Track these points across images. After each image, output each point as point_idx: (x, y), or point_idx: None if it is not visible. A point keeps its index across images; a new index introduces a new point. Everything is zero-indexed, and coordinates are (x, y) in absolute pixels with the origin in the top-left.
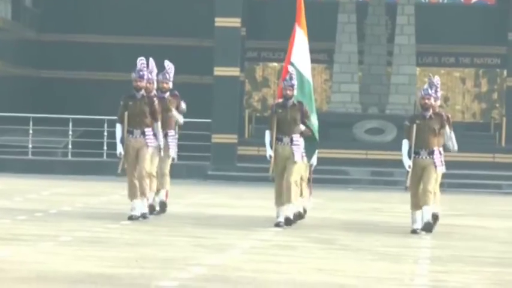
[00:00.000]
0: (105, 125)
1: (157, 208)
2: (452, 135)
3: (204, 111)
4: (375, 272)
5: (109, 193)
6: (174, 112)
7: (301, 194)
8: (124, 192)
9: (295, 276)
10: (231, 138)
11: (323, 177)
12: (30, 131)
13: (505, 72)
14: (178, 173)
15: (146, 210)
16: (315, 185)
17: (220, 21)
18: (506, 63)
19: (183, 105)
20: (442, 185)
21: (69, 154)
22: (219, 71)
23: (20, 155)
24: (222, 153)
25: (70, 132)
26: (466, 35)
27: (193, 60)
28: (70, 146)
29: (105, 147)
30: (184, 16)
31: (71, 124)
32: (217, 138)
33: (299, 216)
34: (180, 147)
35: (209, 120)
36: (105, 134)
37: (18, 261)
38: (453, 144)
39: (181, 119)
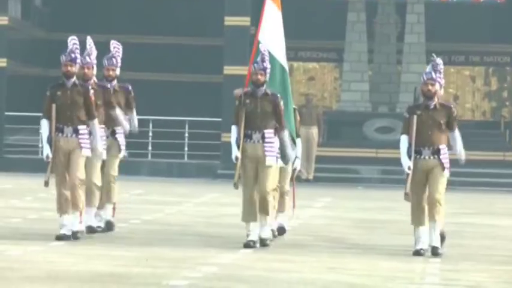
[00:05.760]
0: None
1: (102, 226)
2: (459, 138)
3: (213, 110)
4: (385, 270)
5: (119, 192)
6: (118, 111)
7: (279, 209)
8: (134, 191)
9: (306, 275)
10: None
11: (333, 175)
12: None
13: None
14: (188, 172)
15: (78, 227)
16: (323, 184)
17: (229, 20)
18: None
19: (134, 119)
20: (451, 183)
21: None
22: (228, 70)
23: (30, 154)
24: (231, 152)
25: None
26: (476, 33)
27: (203, 59)
28: None
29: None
30: (193, 15)
31: None
32: (227, 137)
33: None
34: (189, 147)
35: (219, 119)
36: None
37: (29, 260)
38: (461, 150)
39: (126, 125)
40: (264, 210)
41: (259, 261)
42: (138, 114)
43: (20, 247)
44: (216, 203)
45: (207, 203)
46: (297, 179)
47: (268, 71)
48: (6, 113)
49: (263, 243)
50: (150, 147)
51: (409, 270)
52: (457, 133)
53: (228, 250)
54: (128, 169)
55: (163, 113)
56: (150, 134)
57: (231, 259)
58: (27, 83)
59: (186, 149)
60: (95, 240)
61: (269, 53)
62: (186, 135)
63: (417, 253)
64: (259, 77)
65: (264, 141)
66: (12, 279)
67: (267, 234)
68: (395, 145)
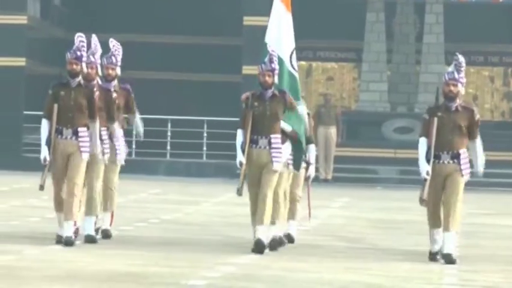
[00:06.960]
0: None
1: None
2: (481, 151)
3: (232, 109)
4: (403, 271)
5: (137, 191)
6: (137, 118)
7: (290, 216)
8: (152, 191)
9: (323, 275)
10: None
11: (351, 176)
12: None
13: None
14: (207, 171)
15: (71, 233)
16: (341, 184)
17: (248, 20)
18: None
19: (137, 118)
20: (468, 184)
21: None
22: (247, 69)
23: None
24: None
25: None
26: (495, 33)
27: (221, 58)
28: None
29: (133, 146)
30: (212, 14)
31: None
32: None
33: (279, 241)
34: (208, 146)
35: (237, 119)
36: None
37: (48, 259)
38: (480, 165)
39: (141, 127)
40: (260, 219)
41: (277, 261)
42: (156, 114)
43: (38, 246)
44: (234, 202)
45: (225, 202)
46: (315, 180)
47: (276, 72)
48: (25, 112)
49: (258, 245)
50: (168, 147)
51: (426, 270)
52: (478, 144)
53: (246, 250)
54: (145, 169)
55: (181, 112)
56: (169, 133)
57: (249, 259)
58: (45, 82)
59: (204, 148)
60: (112, 240)
61: (278, 55)
62: (205, 134)
63: (433, 259)
64: (267, 78)
65: (270, 147)
66: (30, 278)
67: (262, 235)
68: (414, 145)
